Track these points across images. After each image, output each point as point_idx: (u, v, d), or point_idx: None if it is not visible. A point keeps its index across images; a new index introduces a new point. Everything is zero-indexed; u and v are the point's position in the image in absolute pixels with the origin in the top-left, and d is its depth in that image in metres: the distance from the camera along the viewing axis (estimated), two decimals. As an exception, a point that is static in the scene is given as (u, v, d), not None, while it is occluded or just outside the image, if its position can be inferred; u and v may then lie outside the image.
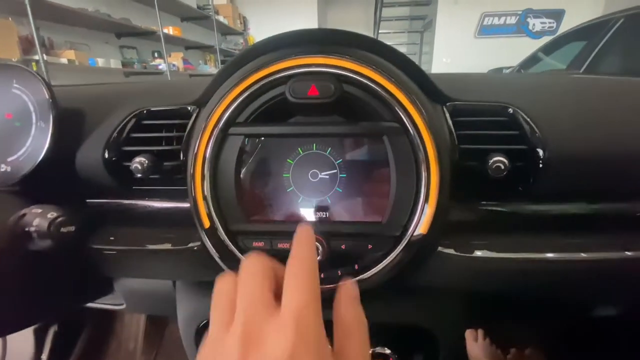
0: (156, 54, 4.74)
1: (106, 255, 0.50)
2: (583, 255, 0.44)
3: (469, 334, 1.11)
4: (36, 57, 2.66)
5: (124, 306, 0.66)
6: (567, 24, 5.30)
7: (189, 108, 0.50)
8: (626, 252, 0.44)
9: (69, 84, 0.74)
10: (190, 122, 0.49)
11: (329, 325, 0.25)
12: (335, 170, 0.43)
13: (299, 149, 0.43)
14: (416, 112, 0.39)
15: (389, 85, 0.39)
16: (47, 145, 0.46)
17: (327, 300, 0.27)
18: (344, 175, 0.43)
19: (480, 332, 1.10)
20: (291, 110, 0.43)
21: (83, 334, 1.05)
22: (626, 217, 0.48)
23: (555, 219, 0.48)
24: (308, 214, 0.43)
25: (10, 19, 2.56)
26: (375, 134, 0.41)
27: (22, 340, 0.88)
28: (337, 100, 0.40)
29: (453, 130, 0.45)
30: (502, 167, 0.41)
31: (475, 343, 1.09)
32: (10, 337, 0.85)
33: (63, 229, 0.39)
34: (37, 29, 2.62)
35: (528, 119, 0.44)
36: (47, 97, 0.47)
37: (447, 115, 0.46)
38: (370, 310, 0.50)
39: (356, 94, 0.41)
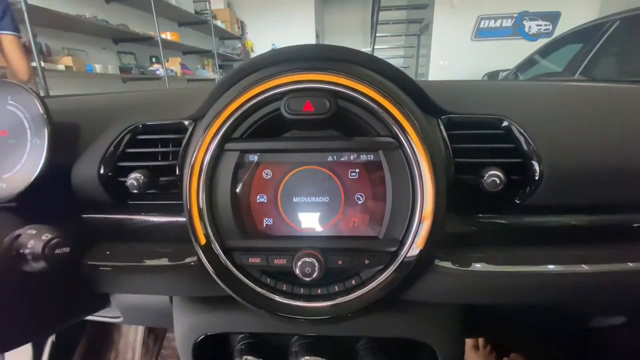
0: (154, 59, 4.74)
1: (102, 271, 0.49)
2: (585, 267, 0.44)
3: (469, 342, 1.10)
4: (33, 64, 2.66)
5: (121, 319, 0.66)
6: (563, 26, 5.34)
7: (185, 122, 0.50)
8: (629, 264, 0.44)
9: (65, 95, 0.74)
10: (186, 136, 0.49)
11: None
12: (331, 185, 0.43)
13: (295, 163, 0.43)
14: (410, 127, 0.39)
15: (383, 101, 0.39)
16: (42, 162, 0.46)
17: None
18: (340, 189, 0.43)
19: (480, 340, 1.10)
20: (287, 125, 0.43)
21: (81, 344, 1.04)
22: (625, 229, 0.47)
23: (554, 231, 0.47)
24: (304, 229, 0.43)
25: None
26: (371, 149, 0.41)
27: (19, 352, 0.87)
28: (333, 116, 0.39)
29: (448, 143, 0.45)
30: (498, 181, 0.41)
31: (475, 352, 1.08)
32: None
33: (57, 251, 0.39)
34: (35, 36, 2.61)
35: (523, 132, 0.44)
36: (41, 113, 0.47)
37: (442, 128, 0.46)
38: (368, 324, 0.50)
39: (351, 109, 0.41)
